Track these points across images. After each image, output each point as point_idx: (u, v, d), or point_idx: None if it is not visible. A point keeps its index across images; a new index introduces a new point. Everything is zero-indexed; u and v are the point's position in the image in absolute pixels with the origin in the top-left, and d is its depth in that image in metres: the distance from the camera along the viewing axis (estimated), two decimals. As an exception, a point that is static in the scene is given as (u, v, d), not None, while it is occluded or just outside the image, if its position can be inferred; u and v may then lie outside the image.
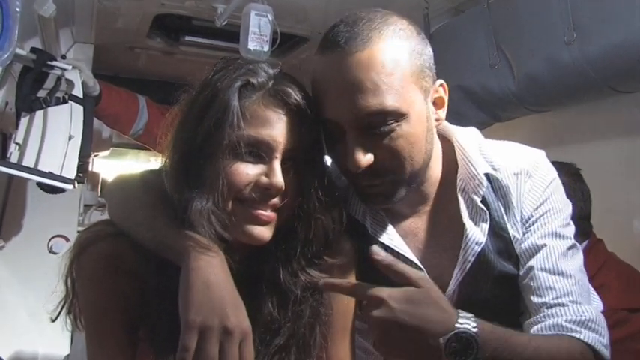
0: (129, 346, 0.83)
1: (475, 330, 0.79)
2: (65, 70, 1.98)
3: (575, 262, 0.97)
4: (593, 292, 1.02)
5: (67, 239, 2.49)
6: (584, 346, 0.89)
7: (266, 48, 1.90)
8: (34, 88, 1.90)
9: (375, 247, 0.84)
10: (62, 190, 2.03)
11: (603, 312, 0.97)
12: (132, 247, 0.83)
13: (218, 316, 0.74)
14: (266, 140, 0.82)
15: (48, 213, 2.49)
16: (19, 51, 1.68)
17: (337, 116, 0.87)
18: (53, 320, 0.88)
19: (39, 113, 1.92)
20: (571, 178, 1.79)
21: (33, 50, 1.91)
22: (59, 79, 1.97)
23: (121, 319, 0.83)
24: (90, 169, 2.85)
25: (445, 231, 1.00)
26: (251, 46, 1.87)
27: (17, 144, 1.86)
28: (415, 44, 0.89)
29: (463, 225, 0.96)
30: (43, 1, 1.74)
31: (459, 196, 0.98)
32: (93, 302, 0.85)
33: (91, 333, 0.85)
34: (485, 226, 0.96)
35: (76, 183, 2.00)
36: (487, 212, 0.96)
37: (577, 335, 0.89)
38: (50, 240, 2.49)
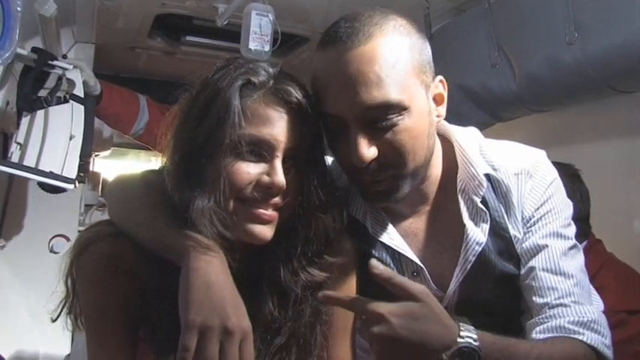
0: (129, 346, 0.83)
1: (477, 344, 0.79)
2: (66, 69, 1.98)
3: (576, 263, 0.97)
4: (594, 292, 1.01)
5: (68, 239, 2.50)
6: (587, 348, 0.89)
7: (267, 48, 1.90)
8: (35, 87, 1.90)
9: (374, 262, 0.82)
10: (63, 190, 2.03)
11: (603, 313, 0.96)
12: (132, 247, 0.83)
13: (218, 316, 0.74)
14: (267, 139, 0.81)
15: (49, 213, 2.49)
16: (20, 50, 1.68)
17: (340, 110, 0.86)
18: (54, 320, 0.88)
19: (40, 113, 1.92)
20: (570, 178, 1.78)
21: (34, 50, 1.91)
22: (60, 78, 1.97)
23: (121, 319, 0.83)
24: (91, 168, 2.85)
25: (445, 231, 1.00)
26: (252, 45, 1.87)
27: (18, 143, 1.86)
28: (415, 40, 0.90)
29: (463, 225, 0.96)
30: (44, 0, 1.74)
31: (459, 196, 0.98)
32: (93, 302, 0.85)
33: (91, 333, 0.84)
34: (486, 227, 0.96)
35: (76, 182, 2.00)
36: (487, 212, 0.96)
37: (580, 337, 0.89)
38: (51, 240, 2.49)
